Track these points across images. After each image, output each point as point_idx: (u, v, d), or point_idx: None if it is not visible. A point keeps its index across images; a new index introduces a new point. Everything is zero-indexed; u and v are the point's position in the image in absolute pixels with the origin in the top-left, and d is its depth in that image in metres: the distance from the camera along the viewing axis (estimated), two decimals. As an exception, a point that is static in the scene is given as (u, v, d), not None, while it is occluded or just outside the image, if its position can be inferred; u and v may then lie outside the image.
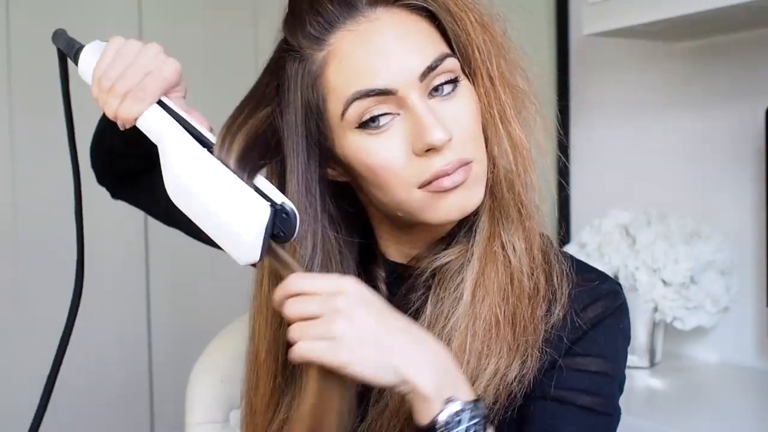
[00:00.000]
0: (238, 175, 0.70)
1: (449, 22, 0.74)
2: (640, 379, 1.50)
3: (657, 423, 1.26)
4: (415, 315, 0.78)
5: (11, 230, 1.86)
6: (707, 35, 1.58)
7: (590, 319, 0.77)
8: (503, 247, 0.76)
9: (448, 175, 0.71)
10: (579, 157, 1.83)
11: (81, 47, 0.81)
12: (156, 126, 0.75)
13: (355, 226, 0.84)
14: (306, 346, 0.64)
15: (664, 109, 1.71)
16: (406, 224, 0.79)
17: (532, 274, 0.77)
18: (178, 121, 0.74)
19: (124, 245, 1.98)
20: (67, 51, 0.82)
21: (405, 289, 0.80)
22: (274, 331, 0.80)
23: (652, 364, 1.58)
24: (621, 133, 1.78)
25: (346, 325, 0.63)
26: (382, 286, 0.83)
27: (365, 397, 0.77)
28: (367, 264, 0.84)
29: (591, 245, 1.57)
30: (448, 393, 0.64)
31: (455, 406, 0.64)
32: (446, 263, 0.78)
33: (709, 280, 1.48)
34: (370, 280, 0.83)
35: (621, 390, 0.80)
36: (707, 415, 1.34)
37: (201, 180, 0.71)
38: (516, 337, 0.75)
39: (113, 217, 1.98)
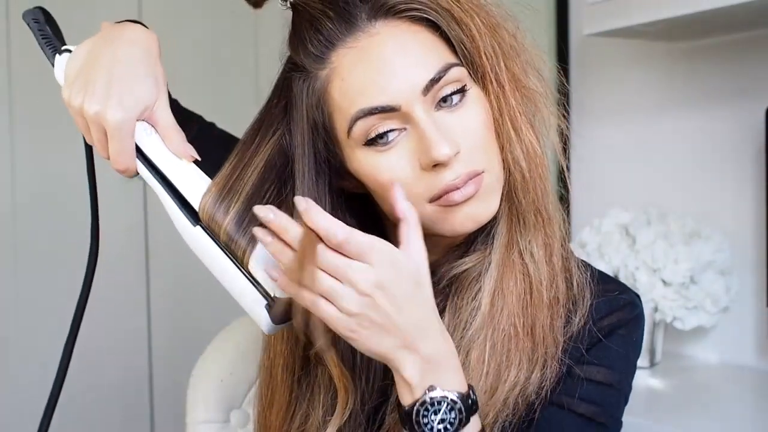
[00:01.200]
0: (229, 254, 0.70)
1: (453, 29, 0.72)
2: (640, 379, 1.50)
3: (657, 423, 1.26)
4: None
5: (11, 230, 1.85)
6: (707, 35, 1.58)
7: (605, 328, 0.77)
8: (521, 255, 0.75)
9: (458, 188, 0.70)
10: (579, 157, 1.83)
11: (56, 51, 0.79)
12: (148, 182, 0.74)
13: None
14: (322, 307, 0.64)
15: (664, 109, 1.71)
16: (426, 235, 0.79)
17: (552, 283, 0.76)
18: (161, 179, 0.73)
19: (124, 245, 1.98)
20: (39, 44, 0.80)
21: None
22: (290, 347, 0.80)
23: (652, 364, 1.58)
24: (621, 133, 1.78)
25: (360, 305, 0.64)
26: None
27: (383, 405, 0.77)
28: None
29: (591, 245, 1.57)
30: (431, 381, 0.65)
31: (434, 395, 0.65)
32: (464, 271, 0.77)
33: (709, 280, 1.48)
34: None
35: (626, 401, 0.80)
36: (707, 415, 1.33)
37: (198, 253, 0.71)
38: (535, 348, 0.74)
39: (113, 216, 1.98)
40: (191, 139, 0.90)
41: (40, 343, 1.86)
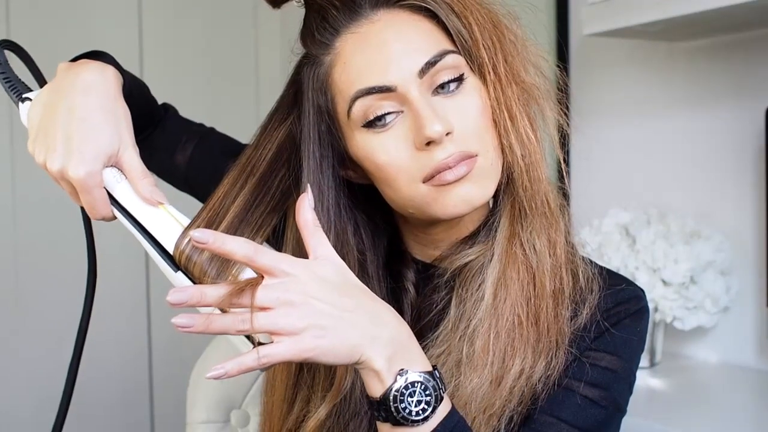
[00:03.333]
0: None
1: (452, 20, 0.74)
2: (640, 379, 1.48)
3: (657, 423, 1.26)
4: (440, 315, 0.79)
5: (11, 230, 1.85)
6: (707, 35, 1.58)
7: (611, 318, 0.78)
8: (523, 247, 0.77)
9: (450, 168, 0.72)
10: (579, 156, 1.83)
11: (19, 97, 0.76)
12: (127, 228, 0.73)
13: (382, 229, 0.85)
14: (269, 351, 0.61)
15: (664, 109, 1.71)
16: (425, 223, 0.80)
17: (555, 275, 0.77)
18: (137, 225, 0.72)
19: (123, 245, 1.98)
20: (4, 88, 0.78)
21: (429, 290, 0.81)
22: None
23: (652, 364, 1.58)
24: (621, 133, 1.79)
25: (304, 317, 0.61)
26: (410, 287, 0.84)
27: None
28: (396, 266, 0.85)
29: (591, 245, 1.57)
30: (401, 365, 0.65)
31: (407, 378, 0.65)
32: (467, 263, 0.79)
33: (709, 280, 1.48)
34: (398, 282, 0.84)
35: (630, 390, 0.81)
36: (707, 415, 1.34)
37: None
38: (540, 338, 0.75)
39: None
40: (189, 155, 0.92)
41: (40, 343, 1.86)
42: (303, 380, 0.82)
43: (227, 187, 0.79)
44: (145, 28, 2.09)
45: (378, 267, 0.84)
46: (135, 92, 0.82)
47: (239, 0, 2.24)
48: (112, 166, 0.72)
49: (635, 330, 0.80)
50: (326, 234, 0.78)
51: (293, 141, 0.80)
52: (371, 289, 0.82)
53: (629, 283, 0.82)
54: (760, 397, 1.45)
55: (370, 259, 0.83)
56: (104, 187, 0.72)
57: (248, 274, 0.69)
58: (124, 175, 0.73)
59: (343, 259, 0.79)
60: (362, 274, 0.82)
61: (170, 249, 0.71)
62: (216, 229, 0.75)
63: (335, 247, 0.78)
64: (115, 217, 0.73)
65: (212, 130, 0.98)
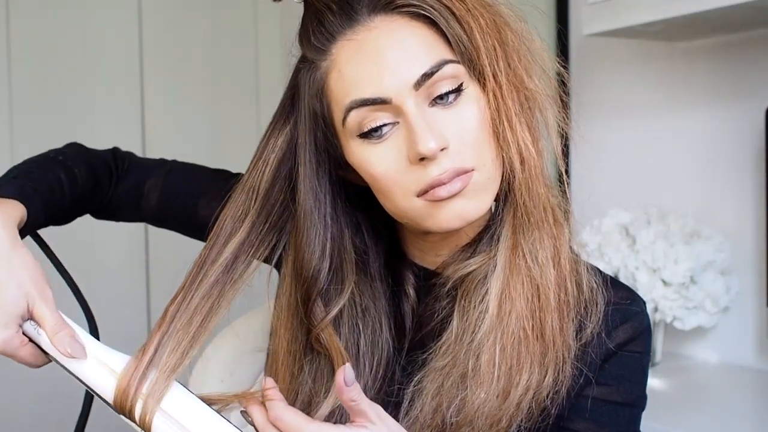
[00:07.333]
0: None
1: (452, 27, 0.72)
2: (640, 379, 1.50)
3: (657, 423, 1.26)
4: (442, 324, 0.78)
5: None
6: (707, 35, 1.58)
7: (619, 340, 0.78)
8: (526, 258, 0.75)
9: (444, 184, 0.70)
10: (579, 157, 1.83)
11: None
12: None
13: (382, 232, 0.84)
14: None
15: (664, 109, 1.71)
16: (421, 231, 0.79)
17: (561, 287, 0.76)
18: (71, 374, 0.70)
19: (124, 245, 1.98)
20: None
21: (431, 299, 0.80)
22: (293, 332, 0.81)
23: (652, 364, 1.58)
24: (621, 133, 1.78)
25: None
26: (411, 291, 0.83)
27: (397, 409, 0.77)
28: (398, 269, 0.84)
29: (591, 245, 1.57)
30: None
31: None
32: (469, 273, 0.77)
33: (709, 280, 1.48)
34: (398, 284, 0.83)
35: (644, 406, 0.81)
36: (707, 415, 1.34)
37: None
38: (546, 352, 0.74)
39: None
40: (155, 204, 0.91)
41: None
42: (304, 380, 0.81)
43: (231, 210, 0.78)
44: (145, 28, 2.09)
45: (380, 266, 0.83)
46: (59, 197, 0.81)
47: (239, 0, 2.24)
48: (30, 319, 0.70)
49: (645, 355, 0.80)
50: (323, 240, 0.78)
51: (291, 149, 0.78)
52: (374, 289, 0.82)
53: (633, 297, 0.81)
54: (760, 397, 1.45)
55: (372, 259, 0.82)
56: (31, 340, 0.69)
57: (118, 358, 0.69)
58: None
59: (341, 262, 0.79)
60: (363, 274, 0.81)
61: (107, 398, 0.69)
62: (217, 257, 0.76)
63: (332, 252, 0.78)
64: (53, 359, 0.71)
65: (173, 165, 0.95)
